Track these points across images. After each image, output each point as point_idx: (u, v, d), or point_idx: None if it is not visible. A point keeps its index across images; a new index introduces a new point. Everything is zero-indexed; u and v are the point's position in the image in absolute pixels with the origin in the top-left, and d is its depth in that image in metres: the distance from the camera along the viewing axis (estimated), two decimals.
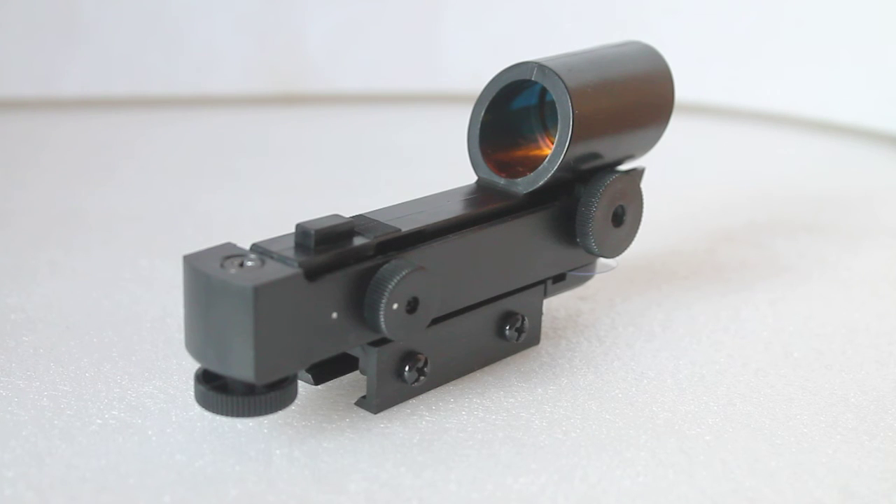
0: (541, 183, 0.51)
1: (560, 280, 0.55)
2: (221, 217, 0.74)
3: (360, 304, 0.46)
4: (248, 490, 0.44)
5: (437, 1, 1.04)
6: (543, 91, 0.54)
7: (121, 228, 0.71)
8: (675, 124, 0.58)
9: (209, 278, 0.43)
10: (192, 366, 0.51)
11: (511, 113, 0.55)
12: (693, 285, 0.64)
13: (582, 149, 0.52)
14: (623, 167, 0.55)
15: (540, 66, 0.52)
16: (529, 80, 0.52)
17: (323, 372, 0.49)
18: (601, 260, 0.57)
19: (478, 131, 0.53)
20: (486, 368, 0.53)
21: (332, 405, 0.49)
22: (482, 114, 0.53)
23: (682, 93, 0.59)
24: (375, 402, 0.49)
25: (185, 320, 0.44)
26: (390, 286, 0.45)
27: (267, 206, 0.75)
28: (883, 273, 0.68)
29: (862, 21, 0.97)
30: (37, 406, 0.49)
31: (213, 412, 0.45)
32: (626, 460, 0.46)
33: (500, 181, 0.52)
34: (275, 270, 0.43)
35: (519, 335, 0.53)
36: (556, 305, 0.60)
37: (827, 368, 0.55)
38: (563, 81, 0.51)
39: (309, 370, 0.48)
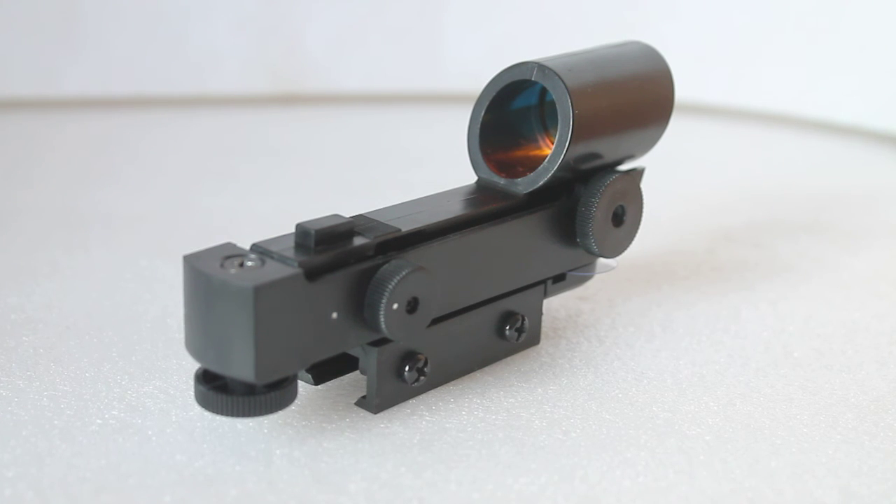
0: (541, 183, 0.51)
1: (560, 280, 0.55)
2: (221, 217, 0.74)
3: (360, 304, 0.46)
4: (248, 490, 0.44)
5: (438, 1, 1.04)
6: (543, 91, 0.54)
7: (121, 228, 0.71)
8: (675, 124, 0.58)
9: (209, 278, 0.43)
10: (192, 366, 0.51)
11: (511, 113, 0.55)
12: (693, 285, 0.64)
13: (582, 149, 0.52)
14: (623, 167, 0.56)
15: (540, 66, 0.52)
16: (529, 80, 0.52)
17: (323, 372, 0.49)
18: (601, 260, 0.57)
19: (478, 131, 0.53)
20: (486, 368, 0.53)
21: (332, 405, 0.49)
22: (482, 114, 0.53)
23: (682, 93, 0.59)
24: (375, 402, 0.49)
25: (185, 320, 0.44)
26: (390, 286, 0.45)
27: (267, 206, 0.75)
28: (883, 273, 0.68)
29: (862, 21, 0.97)
30: (37, 406, 0.49)
31: (213, 412, 0.45)
32: (626, 460, 0.46)
33: (501, 181, 0.52)
34: (275, 270, 0.43)
35: (519, 335, 0.53)
36: (556, 305, 0.60)
37: (827, 368, 0.55)
38: (563, 81, 0.51)
39: (309, 370, 0.48)
